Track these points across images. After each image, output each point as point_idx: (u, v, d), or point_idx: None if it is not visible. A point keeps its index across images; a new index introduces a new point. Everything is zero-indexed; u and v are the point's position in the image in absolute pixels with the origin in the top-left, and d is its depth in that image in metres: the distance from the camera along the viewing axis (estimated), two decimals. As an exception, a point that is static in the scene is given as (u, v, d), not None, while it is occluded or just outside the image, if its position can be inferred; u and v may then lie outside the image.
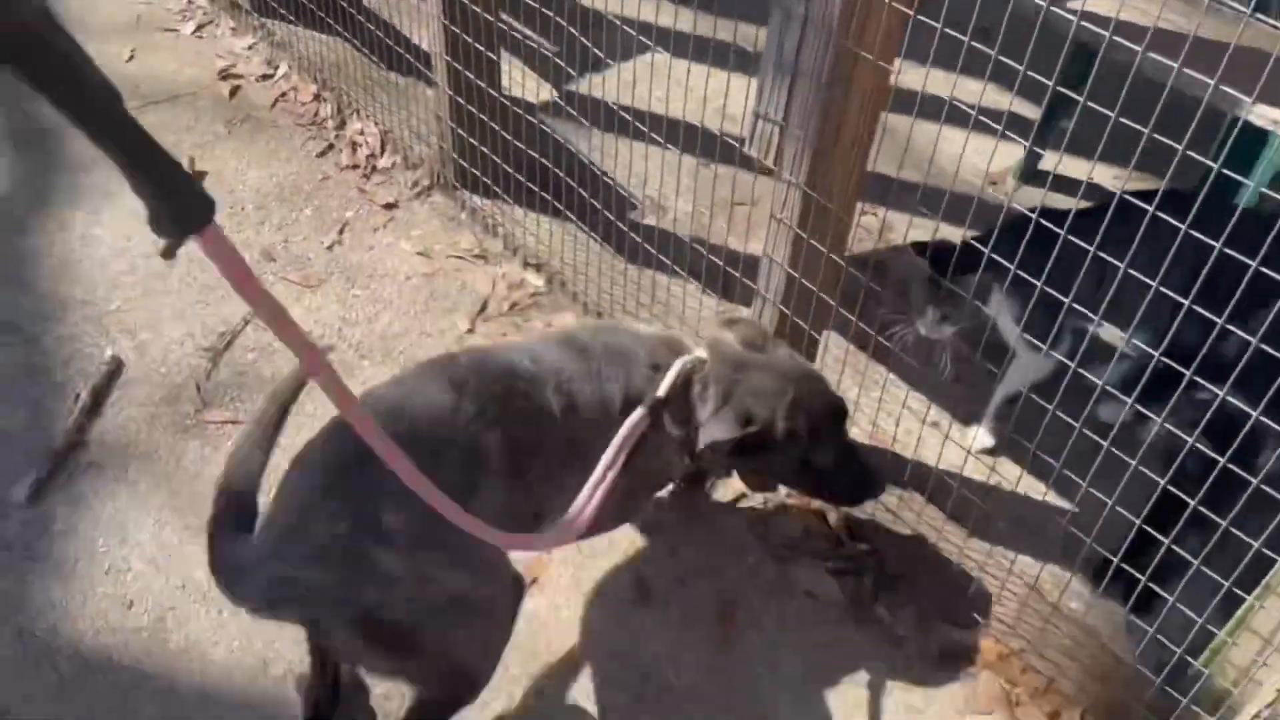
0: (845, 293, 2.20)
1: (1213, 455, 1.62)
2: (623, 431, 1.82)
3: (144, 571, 2.23)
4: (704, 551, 2.33)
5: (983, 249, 1.86)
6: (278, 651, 2.10)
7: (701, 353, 1.94)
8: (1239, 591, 1.68)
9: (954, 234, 2.00)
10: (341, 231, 3.12)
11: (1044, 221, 1.75)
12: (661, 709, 2.05)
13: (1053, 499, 2.27)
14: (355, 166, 3.31)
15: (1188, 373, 1.62)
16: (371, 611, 1.59)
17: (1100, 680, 2.01)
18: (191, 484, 2.41)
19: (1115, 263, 1.63)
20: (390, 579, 1.58)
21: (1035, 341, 2.04)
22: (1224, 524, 1.62)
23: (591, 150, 3.09)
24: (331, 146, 3.40)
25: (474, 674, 1.81)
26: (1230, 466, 1.59)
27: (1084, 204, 1.90)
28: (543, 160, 2.77)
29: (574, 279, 2.87)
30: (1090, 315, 1.75)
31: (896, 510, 2.30)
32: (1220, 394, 1.58)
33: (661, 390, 1.86)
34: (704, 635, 2.17)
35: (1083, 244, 1.66)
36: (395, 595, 1.60)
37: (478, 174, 3.03)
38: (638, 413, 1.84)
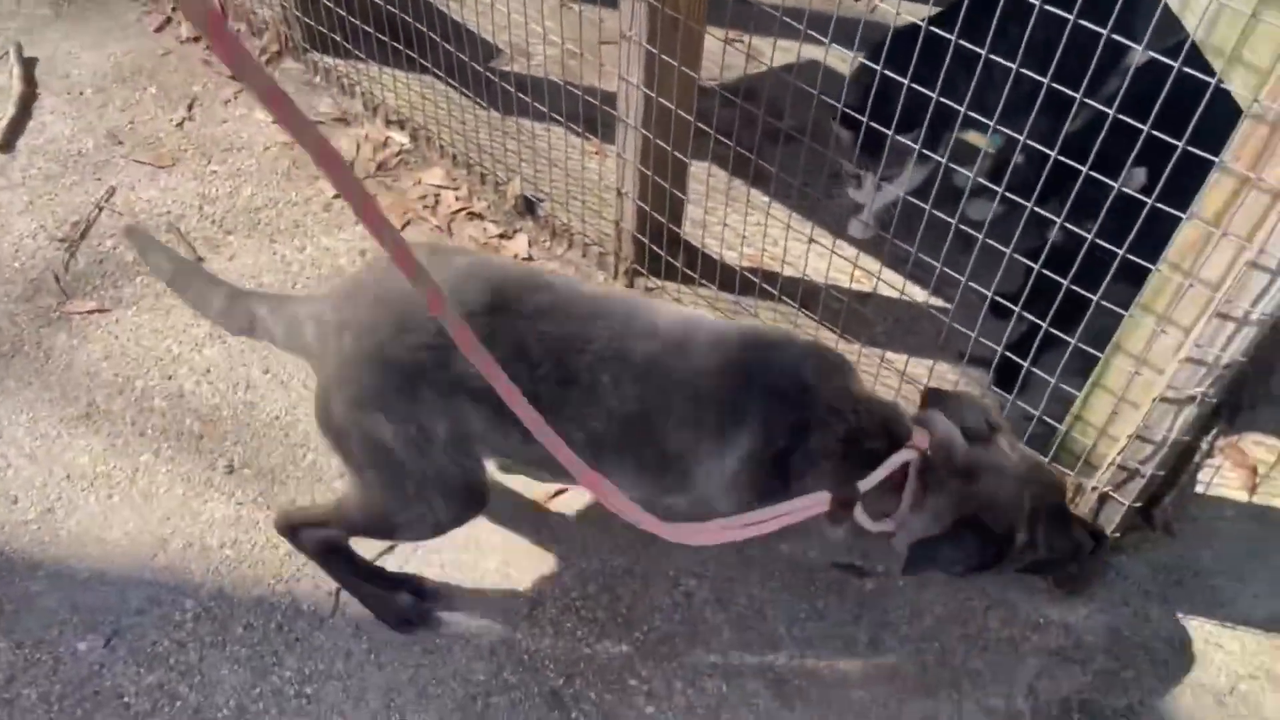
0: (702, 114, 2.19)
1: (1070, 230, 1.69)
2: (794, 504, 1.61)
3: (24, 466, 2.19)
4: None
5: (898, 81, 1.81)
6: (176, 527, 2.09)
7: (924, 444, 1.66)
8: (1092, 350, 1.77)
9: (818, 53, 1.98)
10: (190, 107, 2.98)
11: (935, 30, 1.74)
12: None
13: (920, 294, 2.35)
14: (197, 39, 3.15)
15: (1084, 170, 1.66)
16: (326, 400, 1.74)
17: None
18: (63, 375, 2.34)
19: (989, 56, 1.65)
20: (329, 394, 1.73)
21: (924, 151, 2.08)
22: (1065, 282, 1.70)
23: (443, -2, 2.98)
24: (169, 20, 3.21)
25: (383, 515, 1.82)
26: (1070, 228, 1.66)
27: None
28: (390, 9, 2.66)
29: (439, 132, 2.80)
30: (978, 118, 1.76)
31: (772, 324, 2.36)
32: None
33: (867, 485, 1.63)
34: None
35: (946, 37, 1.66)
36: (335, 401, 1.72)
37: (327, 33, 2.90)
38: (819, 496, 1.62)
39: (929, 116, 1.80)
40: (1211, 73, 1.42)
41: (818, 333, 2.27)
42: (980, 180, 1.88)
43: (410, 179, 2.81)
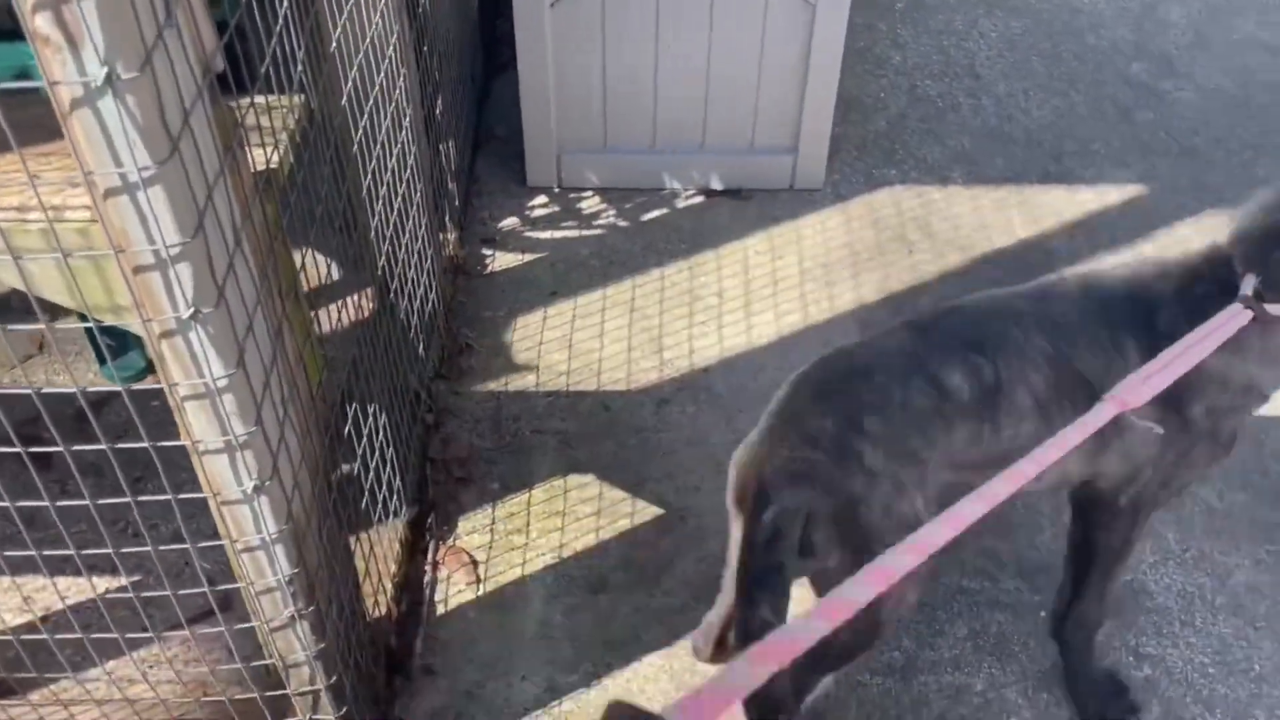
0: None
1: None
2: (1213, 322, 1.57)
3: None
4: None
5: None
6: None
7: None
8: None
9: None
10: None
11: None
12: None
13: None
14: None
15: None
16: (853, 503, 1.57)
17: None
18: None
19: None
20: (873, 474, 1.56)
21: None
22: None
23: None
24: None
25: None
26: None
27: None
28: None
29: None
30: None
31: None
32: None
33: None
34: None
35: None
36: (875, 493, 1.57)
37: None
38: (1232, 308, 1.59)
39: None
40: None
41: None
42: None
43: None
